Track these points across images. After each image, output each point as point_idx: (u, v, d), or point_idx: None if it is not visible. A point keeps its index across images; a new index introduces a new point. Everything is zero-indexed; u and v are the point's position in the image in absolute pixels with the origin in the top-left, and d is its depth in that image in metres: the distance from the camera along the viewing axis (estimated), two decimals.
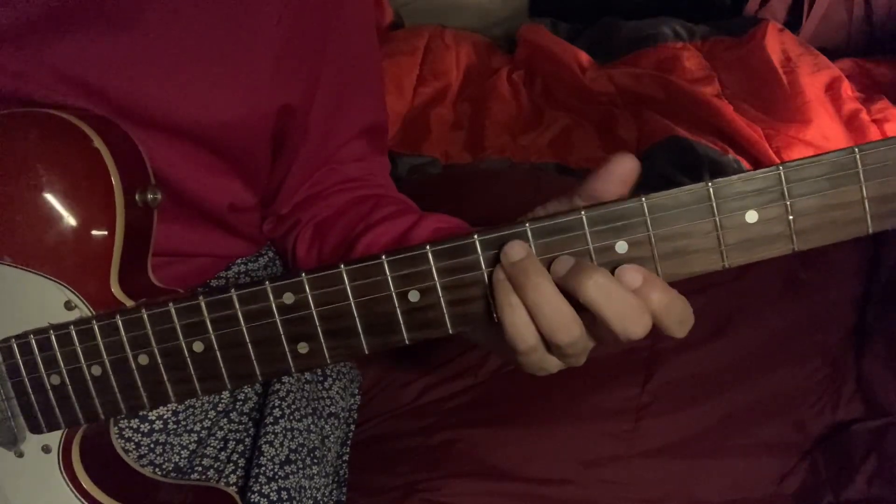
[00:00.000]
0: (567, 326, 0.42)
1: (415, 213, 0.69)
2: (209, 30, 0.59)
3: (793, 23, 1.63)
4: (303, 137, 0.70)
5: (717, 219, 0.42)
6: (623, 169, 0.44)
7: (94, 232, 0.52)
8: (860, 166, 0.41)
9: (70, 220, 0.51)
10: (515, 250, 0.43)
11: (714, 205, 0.42)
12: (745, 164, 1.24)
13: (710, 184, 0.42)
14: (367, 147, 0.75)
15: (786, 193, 0.42)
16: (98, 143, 0.51)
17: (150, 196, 0.54)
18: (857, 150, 0.40)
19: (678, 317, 0.43)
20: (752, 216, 0.42)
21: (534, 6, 1.85)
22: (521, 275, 0.42)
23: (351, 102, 0.72)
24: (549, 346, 0.44)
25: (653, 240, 0.43)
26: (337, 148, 0.73)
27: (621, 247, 0.43)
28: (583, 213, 0.43)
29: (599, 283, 0.41)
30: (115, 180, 0.51)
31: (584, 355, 0.45)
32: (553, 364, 0.46)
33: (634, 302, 0.41)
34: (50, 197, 0.51)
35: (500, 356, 0.50)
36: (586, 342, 0.44)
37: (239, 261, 0.76)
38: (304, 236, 0.74)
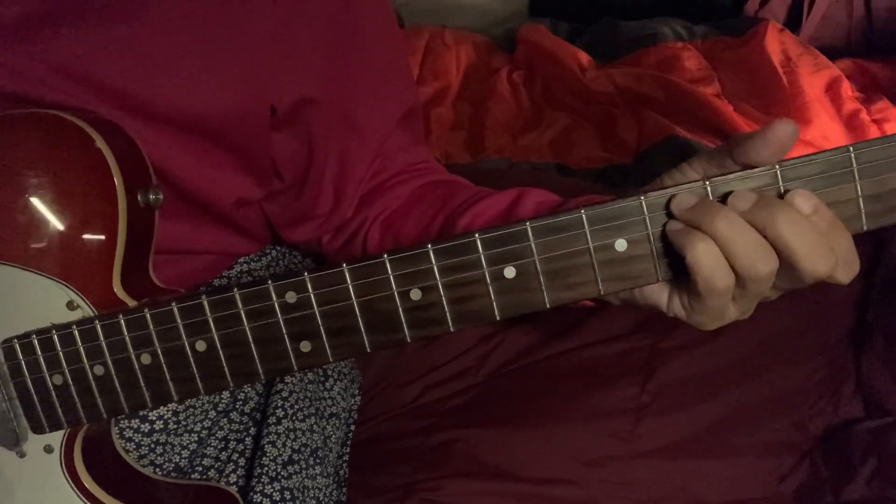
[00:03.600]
0: (767, 254, 0.41)
1: (511, 190, 0.65)
2: (207, 18, 0.59)
3: (793, 23, 1.63)
4: (352, 134, 0.68)
5: None
6: (781, 135, 0.42)
7: (97, 232, 0.52)
8: (854, 165, 0.41)
9: (73, 220, 0.52)
10: (686, 197, 0.41)
11: None
12: None
13: (707, 182, 0.42)
14: (410, 133, 0.73)
15: (782, 191, 0.42)
16: (100, 143, 0.51)
17: (152, 196, 0.54)
18: (851, 148, 0.41)
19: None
20: None
21: (534, 6, 1.85)
22: (705, 214, 0.41)
23: (388, 90, 0.70)
24: (744, 283, 0.42)
25: (651, 238, 0.43)
26: (385, 137, 0.70)
27: (620, 245, 0.43)
28: (582, 211, 0.43)
29: (792, 218, 0.40)
30: (117, 181, 0.51)
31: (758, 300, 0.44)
32: (733, 313, 0.45)
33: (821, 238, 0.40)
34: (53, 197, 0.51)
35: (675, 313, 0.48)
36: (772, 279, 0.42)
37: (242, 259, 0.76)
38: (374, 234, 0.71)
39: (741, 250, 0.41)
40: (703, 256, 0.41)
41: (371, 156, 0.70)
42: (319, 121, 0.67)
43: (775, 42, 1.50)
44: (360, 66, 0.67)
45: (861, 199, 0.41)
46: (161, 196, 0.54)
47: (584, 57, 1.56)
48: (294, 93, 0.64)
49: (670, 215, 0.42)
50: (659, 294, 0.48)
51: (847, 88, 1.40)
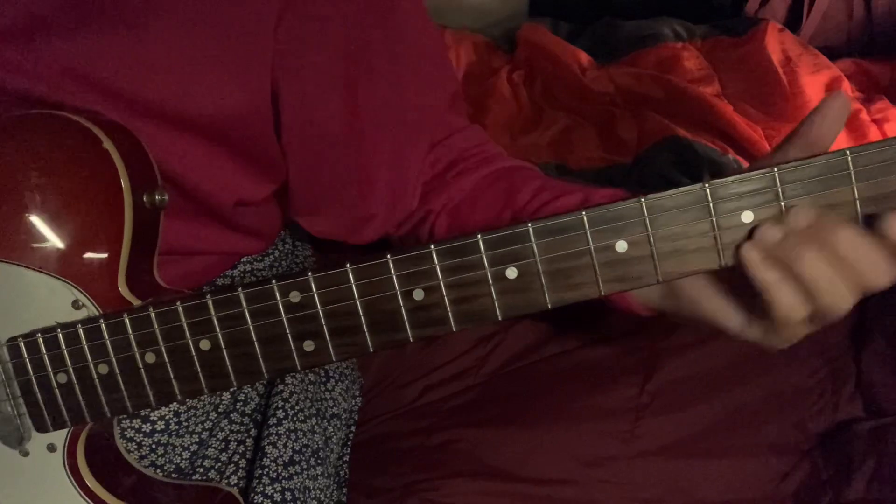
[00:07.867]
0: (847, 294, 0.44)
1: (575, 192, 0.65)
2: (216, 21, 0.59)
3: (793, 23, 1.64)
4: (415, 128, 0.68)
5: (714, 219, 0.43)
6: (835, 108, 0.45)
7: (103, 233, 0.52)
8: (851, 168, 0.42)
9: (79, 221, 0.52)
10: (772, 232, 0.43)
11: (711, 205, 0.43)
12: (744, 164, 1.25)
13: (706, 185, 0.43)
14: (458, 116, 0.73)
15: (780, 194, 0.42)
16: (108, 144, 0.52)
17: (157, 197, 0.54)
18: (848, 152, 0.41)
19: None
20: (747, 216, 0.43)
21: (534, 6, 1.85)
22: (792, 254, 0.43)
23: (433, 75, 0.70)
24: (822, 315, 0.45)
25: (652, 239, 0.43)
26: (438, 124, 0.71)
27: (621, 246, 0.44)
28: (583, 213, 0.43)
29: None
30: (124, 182, 0.52)
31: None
32: (802, 332, 0.47)
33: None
34: (59, 198, 0.52)
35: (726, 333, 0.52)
36: None
37: (244, 259, 0.76)
38: (442, 224, 0.71)
39: (824, 290, 0.44)
40: (786, 298, 0.44)
41: (426, 146, 0.70)
42: (352, 127, 0.66)
43: (775, 42, 1.50)
44: (402, 65, 0.66)
45: (858, 202, 0.42)
46: (166, 197, 0.55)
47: (584, 57, 1.56)
48: (306, 106, 0.64)
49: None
50: (731, 320, 0.52)
51: (847, 88, 1.40)
